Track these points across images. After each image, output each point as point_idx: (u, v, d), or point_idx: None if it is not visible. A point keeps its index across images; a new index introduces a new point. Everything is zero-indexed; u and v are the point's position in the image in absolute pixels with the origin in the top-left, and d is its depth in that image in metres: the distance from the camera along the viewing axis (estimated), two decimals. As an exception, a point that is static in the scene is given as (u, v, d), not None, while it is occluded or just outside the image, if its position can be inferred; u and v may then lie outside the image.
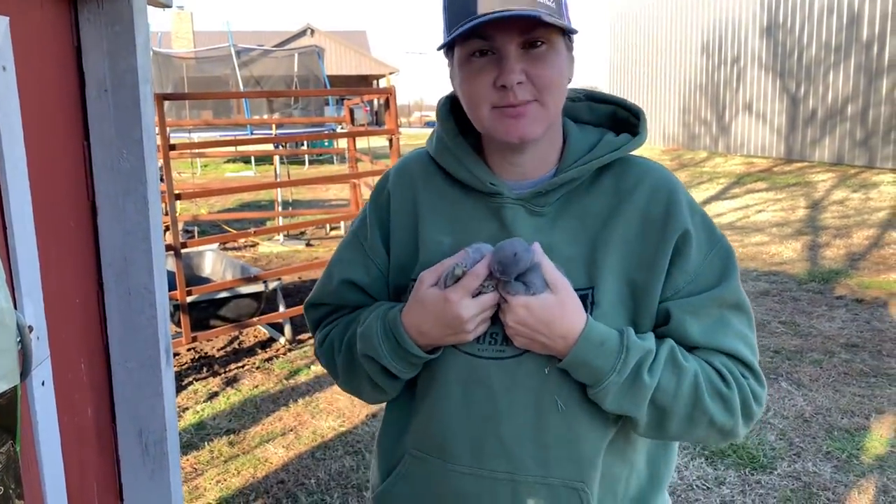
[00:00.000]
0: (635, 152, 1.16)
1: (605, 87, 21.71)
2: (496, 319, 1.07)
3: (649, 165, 1.15)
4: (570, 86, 1.15)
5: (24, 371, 1.04)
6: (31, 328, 1.10)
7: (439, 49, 1.10)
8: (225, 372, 4.73)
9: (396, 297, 1.18)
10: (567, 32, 1.06)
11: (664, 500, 1.22)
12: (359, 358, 1.15)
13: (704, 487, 3.20)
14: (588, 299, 1.07)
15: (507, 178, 1.14)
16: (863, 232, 8.01)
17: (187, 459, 3.55)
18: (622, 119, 1.20)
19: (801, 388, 4.17)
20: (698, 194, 11.35)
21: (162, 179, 4.36)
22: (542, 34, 1.02)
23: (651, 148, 18.01)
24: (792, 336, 5.03)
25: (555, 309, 1.02)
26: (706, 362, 1.09)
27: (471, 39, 1.03)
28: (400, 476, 1.18)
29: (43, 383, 1.17)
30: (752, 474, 3.28)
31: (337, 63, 36.02)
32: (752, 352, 1.12)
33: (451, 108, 1.19)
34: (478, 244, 1.06)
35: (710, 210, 10.19)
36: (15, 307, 1.03)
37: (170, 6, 1.74)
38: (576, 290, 1.06)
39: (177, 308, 4.57)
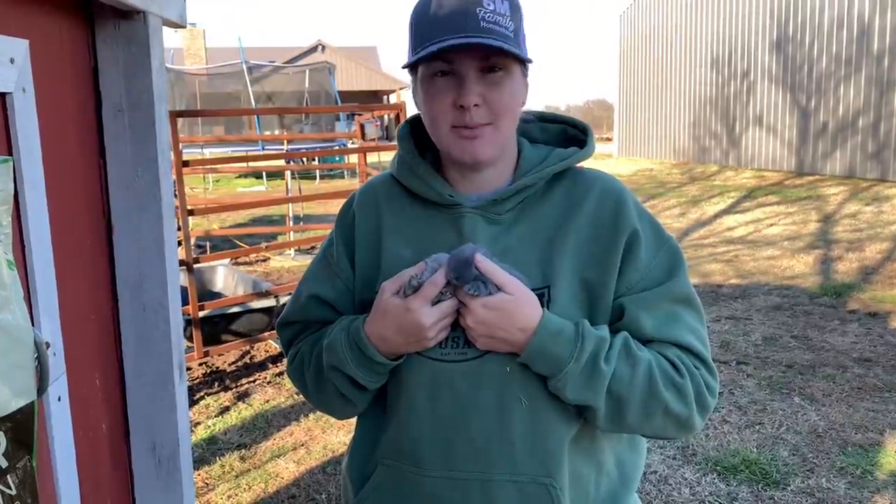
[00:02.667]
0: (589, 164, 1.28)
1: (615, 101, 21.74)
2: (457, 325, 1.12)
3: (597, 175, 1.23)
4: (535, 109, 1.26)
5: (41, 387, 1.05)
6: (47, 344, 1.12)
7: (404, 67, 1.17)
8: (236, 386, 4.74)
9: (363, 312, 1.21)
10: (523, 61, 1.13)
11: (634, 501, 1.27)
12: (326, 370, 1.19)
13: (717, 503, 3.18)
14: (544, 297, 1.13)
15: (464, 191, 1.21)
16: (875, 245, 7.96)
17: (199, 474, 3.56)
18: (572, 136, 1.28)
19: (813, 403, 4.14)
20: (709, 208, 11.33)
21: (175, 195, 4.40)
22: (499, 61, 1.10)
23: (661, 161, 17.99)
24: (804, 350, 5.01)
25: (512, 304, 1.07)
26: (660, 354, 1.14)
27: (434, 61, 1.11)
28: (373, 488, 1.21)
29: (59, 399, 1.19)
30: (766, 490, 3.26)
31: (348, 79, 36.26)
32: (704, 345, 1.18)
33: (411, 131, 1.26)
34: (436, 255, 1.12)
35: (721, 224, 10.17)
36: (32, 324, 1.05)
37: (184, 26, 1.77)
38: (532, 289, 1.11)
39: (189, 323, 4.60)
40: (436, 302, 1.09)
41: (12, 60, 1.06)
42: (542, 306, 1.11)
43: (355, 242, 1.25)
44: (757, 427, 3.87)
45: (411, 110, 1.25)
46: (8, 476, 0.96)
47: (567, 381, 1.08)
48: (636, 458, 1.27)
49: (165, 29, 1.60)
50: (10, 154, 1.07)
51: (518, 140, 1.24)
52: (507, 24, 1.09)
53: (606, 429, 1.15)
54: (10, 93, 1.05)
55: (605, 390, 1.09)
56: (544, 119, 1.31)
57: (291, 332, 1.33)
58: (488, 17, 1.08)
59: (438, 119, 1.14)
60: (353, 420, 1.33)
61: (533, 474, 1.12)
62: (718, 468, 3.44)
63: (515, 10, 1.12)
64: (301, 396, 4.48)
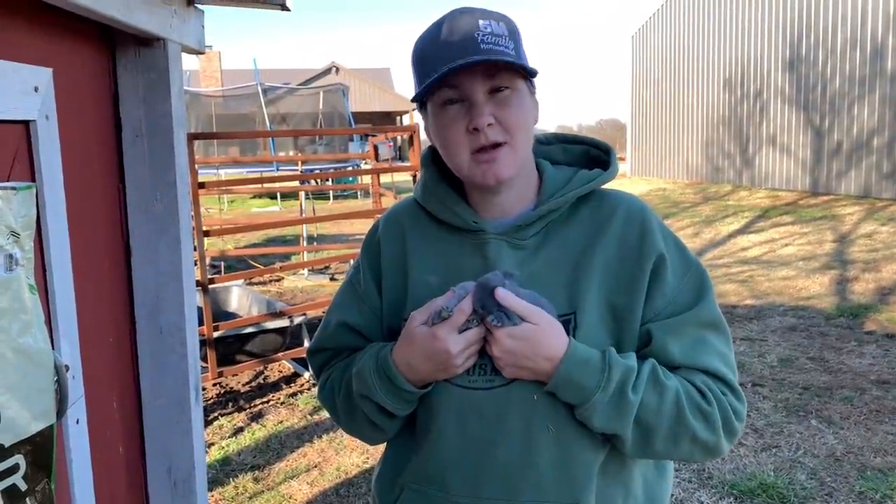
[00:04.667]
0: (611, 185, 1.26)
1: (627, 121, 21.76)
2: (484, 352, 1.12)
3: (622, 196, 1.23)
4: (551, 131, 1.24)
5: (60, 410, 1.07)
6: (67, 367, 1.13)
7: (413, 101, 1.18)
8: (250, 407, 4.75)
9: (391, 338, 1.21)
10: (528, 78, 1.15)
11: None
12: (356, 398, 1.21)
13: (734, 528, 3.14)
14: (570, 323, 1.13)
15: (489, 216, 1.21)
16: (892, 266, 7.89)
17: (212, 495, 3.56)
18: (594, 157, 1.28)
19: (831, 425, 4.09)
20: (723, 228, 11.28)
21: (190, 216, 4.42)
22: (505, 80, 1.11)
23: (675, 181, 17.96)
24: (821, 372, 4.95)
25: (538, 334, 1.07)
26: (687, 380, 1.13)
27: (442, 89, 1.12)
28: None
29: (77, 421, 1.20)
30: (783, 515, 3.21)
31: (361, 100, 36.52)
32: (731, 369, 1.17)
33: (433, 156, 1.27)
34: (463, 283, 1.12)
35: (736, 244, 10.12)
36: (52, 347, 1.06)
37: (202, 52, 1.80)
38: (559, 315, 1.12)
39: (203, 343, 4.61)
40: (463, 329, 1.10)
41: (36, 89, 1.08)
42: (568, 332, 1.11)
43: (382, 270, 1.26)
44: (774, 450, 3.82)
45: (424, 131, 1.25)
46: (27, 499, 0.97)
47: (594, 411, 1.08)
48: (664, 483, 1.26)
49: (182, 52, 1.63)
50: (34, 180, 1.09)
51: (540, 162, 1.25)
52: (506, 44, 1.10)
53: (634, 455, 1.15)
54: (34, 120, 1.08)
55: (633, 419, 1.08)
56: (565, 140, 1.31)
57: (322, 360, 1.34)
58: (487, 38, 1.09)
59: (455, 147, 1.14)
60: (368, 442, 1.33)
61: (560, 501, 1.11)
62: (735, 492, 3.40)
63: (513, 31, 1.13)
64: (314, 417, 4.49)
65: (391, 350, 1.16)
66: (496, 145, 1.12)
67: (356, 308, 1.28)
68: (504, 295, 1.08)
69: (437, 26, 1.13)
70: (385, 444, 1.32)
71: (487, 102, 1.11)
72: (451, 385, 1.15)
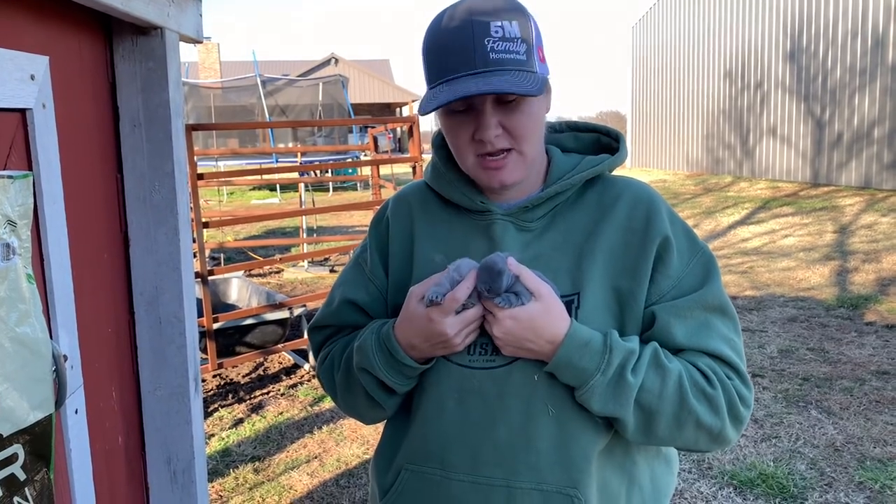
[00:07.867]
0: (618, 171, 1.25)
1: (627, 112, 21.72)
2: (485, 331, 1.12)
3: (629, 181, 1.23)
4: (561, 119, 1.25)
5: (59, 400, 1.06)
6: (65, 357, 1.13)
7: (423, 113, 1.13)
8: (250, 398, 4.75)
9: (396, 317, 1.21)
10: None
11: None
12: (356, 372, 1.21)
13: (733, 518, 3.15)
14: (573, 304, 1.13)
15: (496, 199, 1.21)
16: (892, 257, 7.89)
17: (213, 487, 3.56)
18: (605, 144, 1.28)
19: (831, 416, 4.10)
20: (724, 219, 11.27)
21: (190, 207, 4.41)
22: None
23: (675, 173, 17.94)
24: (821, 363, 4.96)
25: (540, 315, 1.07)
26: (690, 363, 1.12)
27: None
28: (398, 492, 1.21)
29: (76, 411, 1.19)
30: (783, 505, 3.22)
31: (361, 91, 36.45)
32: (738, 354, 1.16)
33: (444, 139, 1.25)
34: (458, 261, 1.12)
35: (736, 235, 10.11)
36: (50, 337, 1.06)
37: (200, 41, 1.79)
38: (562, 296, 1.11)
39: (203, 335, 4.61)
40: (461, 309, 1.09)
41: (32, 77, 1.08)
42: (571, 314, 1.10)
43: (389, 250, 1.27)
44: (773, 440, 3.83)
45: (424, 123, 1.23)
46: (26, 488, 0.97)
47: (593, 393, 1.07)
48: (670, 476, 1.25)
49: (181, 43, 1.62)
50: (31, 169, 1.08)
51: (549, 149, 1.24)
52: (517, 49, 1.06)
53: (637, 441, 1.14)
54: (31, 109, 1.07)
55: (633, 402, 1.08)
56: (576, 128, 1.31)
57: (323, 336, 1.34)
58: (498, 46, 1.05)
59: (462, 151, 1.14)
60: (373, 434, 1.33)
61: (558, 484, 1.11)
62: (735, 482, 3.41)
63: (525, 25, 1.08)
64: (314, 408, 4.49)
65: (393, 326, 1.16)
66: (503, 150, 1.11)
67: (362, 286, 1.28)
68: (515, 263, 1.08)
69: (448, 20, 1.08)
70: (384, 426, 1.32)
71: (495, 112, 1.09)
72: (451, 363, 1.15)
